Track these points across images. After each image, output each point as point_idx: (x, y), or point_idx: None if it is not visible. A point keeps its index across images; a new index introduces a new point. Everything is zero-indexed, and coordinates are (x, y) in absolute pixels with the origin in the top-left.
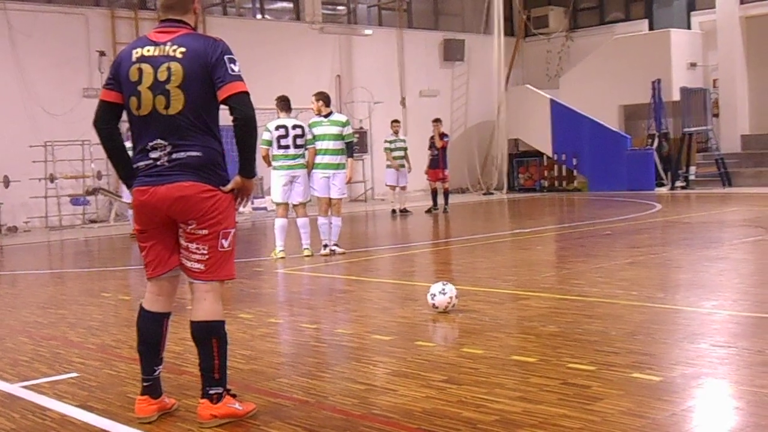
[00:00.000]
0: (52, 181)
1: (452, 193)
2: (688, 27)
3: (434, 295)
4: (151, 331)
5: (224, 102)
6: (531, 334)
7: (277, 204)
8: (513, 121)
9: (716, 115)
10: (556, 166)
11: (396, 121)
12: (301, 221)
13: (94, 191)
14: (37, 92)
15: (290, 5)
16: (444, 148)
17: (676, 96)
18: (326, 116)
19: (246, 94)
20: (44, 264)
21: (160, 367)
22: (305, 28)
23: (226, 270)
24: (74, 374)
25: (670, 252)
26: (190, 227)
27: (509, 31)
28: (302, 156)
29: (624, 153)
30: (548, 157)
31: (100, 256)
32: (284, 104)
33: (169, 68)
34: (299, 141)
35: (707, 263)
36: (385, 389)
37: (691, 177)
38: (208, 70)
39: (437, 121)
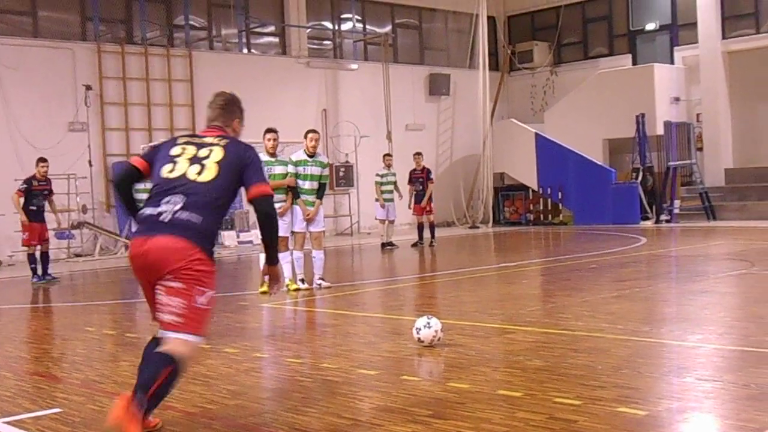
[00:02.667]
0: None
1: (438, 226)
2: (672, 62)
3: (419, 329)
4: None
5: (251, 200)
6: (517, 368)
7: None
8: (498, 155)
9: (700, 149)
10: (541, 200)
11: (388, 155)
12: (282, 255)
13: (79, 225)
14: (22, 126)
15: (276, 40)
16: (429, 181)
17: (660, 130)
18: (311, 156)
19: (270, 196)
20: (28, 298)
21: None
22: (291, 63)
23: (200, 327)
24: (57, 410)
25: (655, 285)
26: (166, 280)
27: (494, 65)
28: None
29: (609, 187)
30: (534, 191)
31: (84, 290)
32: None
33: (211, 150)
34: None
35: (692, 297)
36: (371, 424)
37: (676, 210)
38: (241, 165)
39: (419, 154)
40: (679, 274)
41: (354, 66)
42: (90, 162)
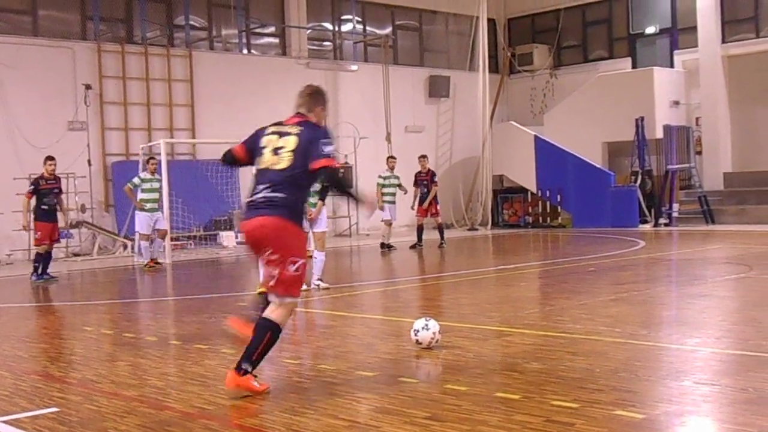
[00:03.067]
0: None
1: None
2: (671, 65)
3: (417, 331)
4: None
5: (314, 171)
6: (515, 371)
7: None
8: (498, 158)
9: (699, 153)
10: (540, 203)
11: (392, 157)
12: None
13: (77, 224)
14: (22, 125)
15: (276, 40)
16: (433, 184)
17: (660, 134)
18: None
19: (332, 168)
20: (26, 297)
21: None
22: (291, 64)
23: (294, 289)
24: (54, 409)
25: (653, 289)
26: (266, 253)
27: (494, 68)
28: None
29: (608, 190)
30: (532, 194)
31: (82, 289)
32: None
33: (287, 139)
34: None
35: (690, 300)
36: (369, 426)
37: (674, 214)
38: (309, 146)
39: (424, 157)
40: (677, 277)
41: (354, 67)
42: (89, 161)
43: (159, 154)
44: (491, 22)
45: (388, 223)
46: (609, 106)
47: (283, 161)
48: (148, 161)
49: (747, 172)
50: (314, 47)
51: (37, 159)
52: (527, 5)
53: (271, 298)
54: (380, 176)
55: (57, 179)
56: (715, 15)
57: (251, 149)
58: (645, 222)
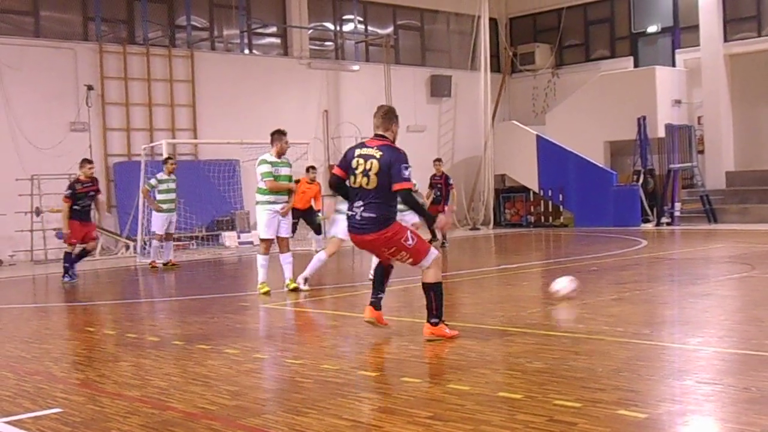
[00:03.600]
0: (38, 215)
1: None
2: (673, 64)
3: (559, 282)
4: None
5: (396, 191)
6: (517, 370)
7: (264, 240)
8: (499, 157)
9: (701, 152)
10: (542, 202)
11: (437, 159)
12: (283, 256)
13: None
14: (24, 126)
15: (278, 41)
16: (450, 187)
17: (662, 133)
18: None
19: (408, 190)
20: (29, 298)
21: (381, 294)
22: (293, 64)
23: (424, 253)
24: (58, 410)
25: (655, 288)
26: (383, 252)
27: (496, 67)
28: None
29: (610, 189)
30: (534, 193)
31: (85, 290)
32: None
33: (372, 163)
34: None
35: (693, 300)
36: (371, 426)
37: (677, 213)
38: (389, 168)
39: (438, 160)
40: (679, 276)
41: (355, 67)
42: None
43: (161, 154)
44: (493, 22)
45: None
46: (611, 105)
47: (372, 182)
48: (165, 161)
49: (749, 171)
50: (316, 47)
51: (39, 160)
52: (529, 4)
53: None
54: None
55: (94, 181)
56: (717, 14)
57: (346, 169)
58: (647, 221)
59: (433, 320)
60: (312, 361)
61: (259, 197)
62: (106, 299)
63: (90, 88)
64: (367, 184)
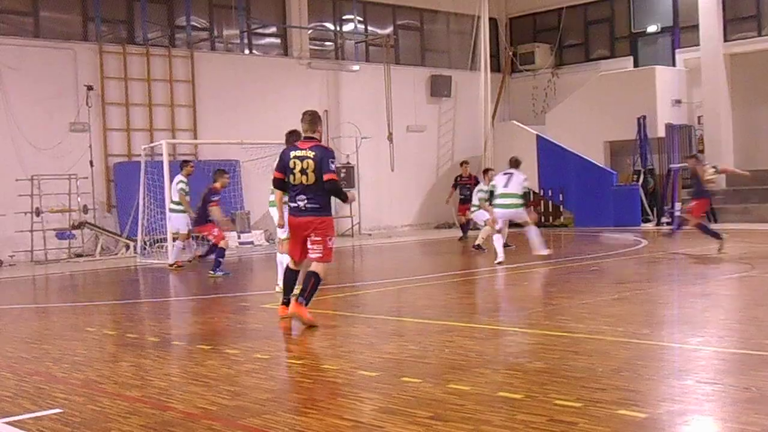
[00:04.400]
0: (38, 215)
1: (439, 228)
2: (673, 64)
3: None
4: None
5: (325, 182)
6: (517, 370)
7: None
8: (499, 157)
9: (701, 152)
10: (542, 202)
11: (465, 162)
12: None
13: (80, 225)
14: (24, 126)
15: (278, 41)
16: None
17: (662, 132)
18: None
19: (335, 180)
20: (29, 298)
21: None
22: (293, 64)
23: (330, 257)
24: (58, 410)
25: (656, 288)
26: (311, 236)
27: (495, 67)
28: None
29: (610, 189)
30: (535, 193)
31: (85, 290)
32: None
33: (308, 162)
34: None
35: (693, 299)
36: (372, 426)
37: (677, 213)
38: (321, 163)
39: (466, 162)
40: (679, 276)
41: (355, 67)
42: (91, 162)
43: (161, 154)
44: (492, 22)
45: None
46: (611, 105)
47: (311, 178)
48: (184, 165)
49: (749, 170)
50: (316, 47)
51: (39, 160)
52: (528, 4)
53: (315, 263)
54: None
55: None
56: (717, 13)
57: (284, 170)
58: (647, 221)
59: (301, 300)
60: (312, 362)
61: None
62: (106, 299)
63: (90, 88)
64: (307, 180)
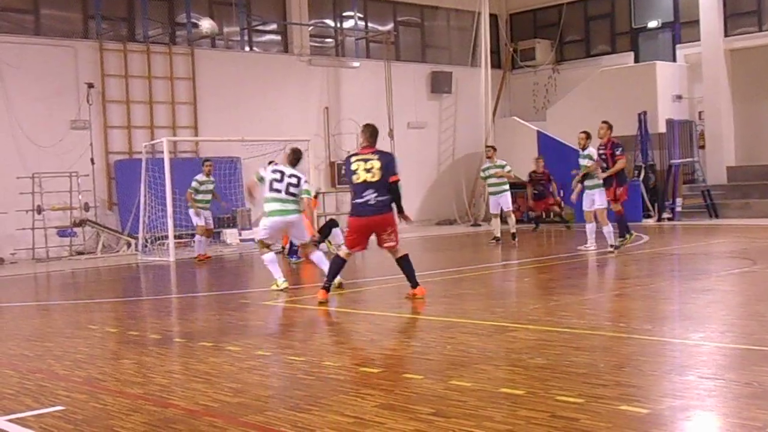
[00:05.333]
0: (39, 213)
1: (440, 224)
2: (674, 60)
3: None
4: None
5: (390, 183)
6: (519, 366)
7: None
8: (500, 153)
9: (702, 147)
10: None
11: (489, 146)
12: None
13: (81, 223)
14: (24, 124)
15: (278, 38)
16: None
17: (662, 128)
18: None
19: (398, 181)
20: (30, 296)
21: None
22: (293, 60)
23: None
24: (60, 407)
25: (657, 284)
26: (387, 230)
27: (496, 63)
28: (295, 203)
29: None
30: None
31: (86, 288)
32: (293, 158)
33: (372, 163)
34: (292, 189)
35: (694, 295)
36: (373, 422)
37: (678, 208)
38: (388, 166)
39: (540, 158)
40: (681, 272)
41: (356, 64)
42: (92, 160)
43: (162, 151)
44: (493, 18)
45: (507, 212)
46: (612, 100)
47: (375, 176)
48: (204, 163)
49: (750, 165)
50: (316, 44)
51: (40, 158)
52: (529, 0)
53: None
54: (481, 169)
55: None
56: (718, 8)
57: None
58: (648, 216)
59: (415, 283)
60: (314, 358)
61: (265, 205)
62: (107, 297)
63: (91, 85)
64: (372, 177)
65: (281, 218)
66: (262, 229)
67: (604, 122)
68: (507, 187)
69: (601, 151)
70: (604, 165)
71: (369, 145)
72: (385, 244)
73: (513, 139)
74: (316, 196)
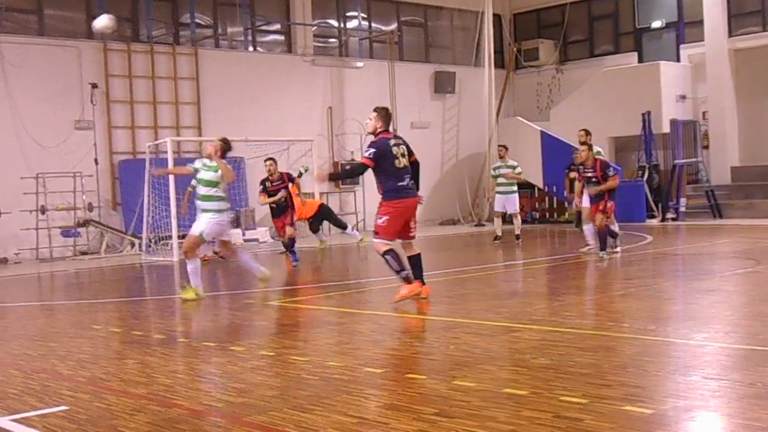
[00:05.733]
0: (43, 213)
1: (444, 224)
2: (678, 60)
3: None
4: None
5: (413, 163)
6: (523, 366)
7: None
8: None
9: (706, 147)
10: (547, 198)
11: (501, 146)
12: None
13: (85, 223)
14: (28, 124)
15: (282, 38)
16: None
17: (666, 128)
18: None
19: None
20: (34, 296)
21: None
22: (297, 61)
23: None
24: (64, 407)
25: (661, 284)
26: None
27: (500, 63)
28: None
29: None
30: (539, 189)
31: (90, 288)
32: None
33: (402, 148)
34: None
35: (698, 295)
36: (377, 422)
37: (682, 209)
38: (409, 148)
39: (584, 143)
40: (685, 272)
41: (359, 64)
42: (96, 160)
43: (166, 151)
44: (496, 18)
45: (512, 214)
46: (615, 100)
47: (407, 160)
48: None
49: (754, 166)
50: (319, 44)
51: (44, 158)
52: (532, 0)
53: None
54: (492, 167)
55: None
56: (722, 8)
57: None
58: (652, 217)
59: (421, 279)
60: (318, 358)
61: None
62: (111, 297)
63: (94, 86)
64: (407, 162)
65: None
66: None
67: (584, 137)
68: (515, 188)
69: (590, 174)
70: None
71: (387, 129)
72: (412, 233)
73: (516, 139)
74: (294, 180)
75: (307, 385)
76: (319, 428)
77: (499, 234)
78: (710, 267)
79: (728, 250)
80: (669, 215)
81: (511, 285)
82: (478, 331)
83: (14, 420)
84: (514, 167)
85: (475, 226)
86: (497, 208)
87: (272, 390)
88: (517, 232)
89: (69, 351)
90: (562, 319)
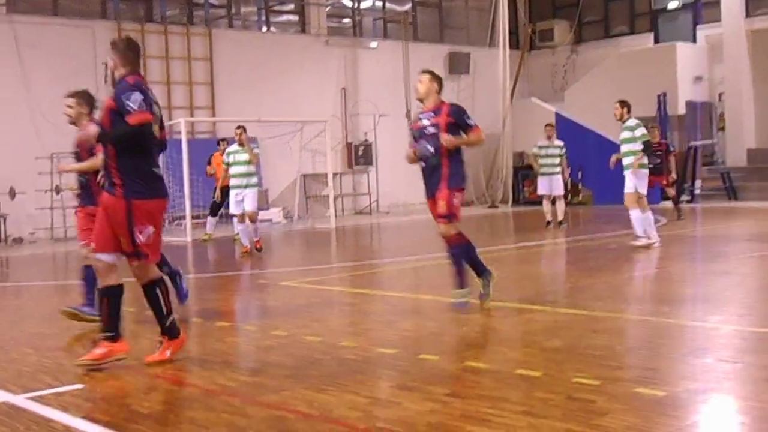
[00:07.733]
0: (57, 193)
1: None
2: (694, 41)
3: None
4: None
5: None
6: (535, 348)
7: None
8: (518, 134)
9: (722, 129)
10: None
11: (549, 125)
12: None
13: None
14: (43, 104)
15: (296, 18)
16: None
17: (682, 110)
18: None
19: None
20: (49, 275)
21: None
22: (311, 41)
23: None
24: (79, 386)
25: (675, 266)
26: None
27: (514, 44)
28: None
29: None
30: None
31: None
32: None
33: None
34: None
35: (713, 277)
36: (389, 402)
37: (697, 191)
38: None
39: (654, 127)
40: (699, 254)
41: (373, 44)
42: None
43: (179, 132)
44: None
45: (557, 197)
46: (631, 82)
47: None
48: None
49: None
50: (333, 24)
51: (58, 139)
52: None
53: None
54: (536, 146)
55: None
56: None
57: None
58: (667, 199)
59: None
60: (330, 339)
61: None
62: (125, 276)
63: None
64: None
65: None
66: None
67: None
68: (560, 169)
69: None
70: (658, 161)
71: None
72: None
73: (531, 121)
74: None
75: (320, 365)
76: (332, 408)
77: (549, 219)
78: (725, 249)
79: (743, 232)
80: (684, 197)
81: (524, 267)
82: (490, 313)
83: (29, 398)
84: (561, 147)
85: (489, 207)
86: (542, 190)
87: (285, 370)
88: (560, 217)
89: (83, 330)
90: (575, 301)
